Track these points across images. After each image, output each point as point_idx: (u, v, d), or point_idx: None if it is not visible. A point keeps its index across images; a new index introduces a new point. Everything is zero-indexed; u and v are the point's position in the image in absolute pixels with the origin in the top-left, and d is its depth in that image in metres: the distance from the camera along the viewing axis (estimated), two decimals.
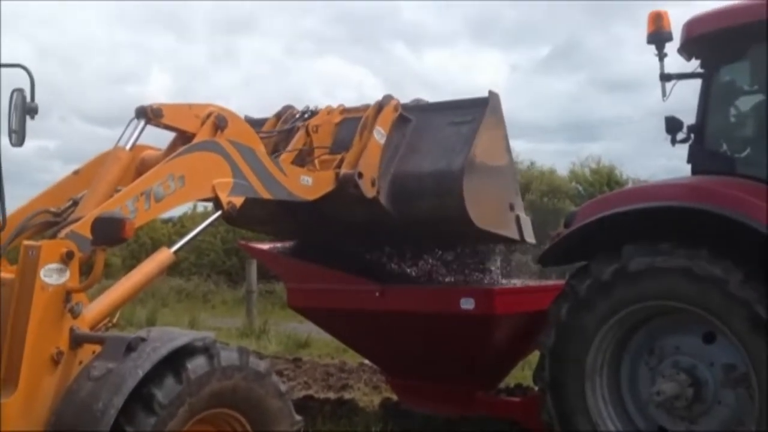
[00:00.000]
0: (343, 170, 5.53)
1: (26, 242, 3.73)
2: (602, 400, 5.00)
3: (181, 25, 66.50)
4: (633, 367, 5.06)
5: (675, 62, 5.40)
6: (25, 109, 3.89)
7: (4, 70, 3.83)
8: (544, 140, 47.59)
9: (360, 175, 5.49)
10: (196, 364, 3.66)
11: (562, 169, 21.37)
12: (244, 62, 65.65)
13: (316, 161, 5.74)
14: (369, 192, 5.56)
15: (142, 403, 3.46)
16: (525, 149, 45.62)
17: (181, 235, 4.72)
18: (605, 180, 19.06)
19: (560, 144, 49.43)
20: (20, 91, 3.88)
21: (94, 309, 3.83)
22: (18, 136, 3.94)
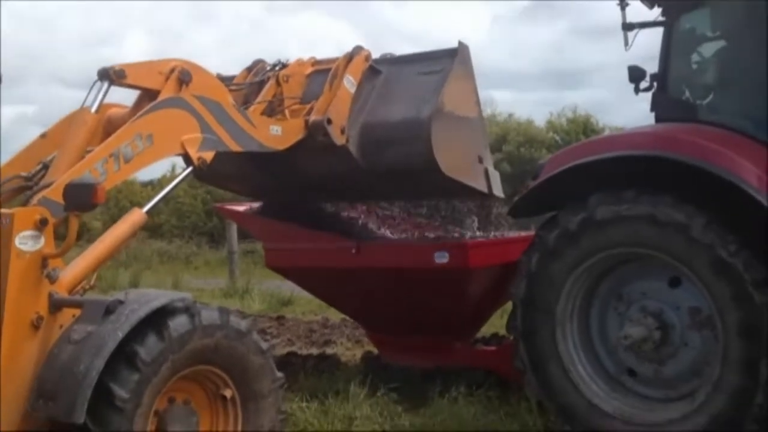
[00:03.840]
0: (313, 117, 5.56)
1: (0, 210, 3.79)
2: (573, 345, 5.13)
3: None
4: (602, 312, 5.19)
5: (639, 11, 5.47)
6: None
7: None
8: (526, 89, 47.53)
9: (329, 121, 5.51)
10: (178, 323, 3.76)
11: (542, 120, 21.54)
12: (223, 21, 64.70)
13: (287, 111, 5.74)
14: (338, 139, 5.59)
15: (125, 361, 3.55)
16: (507, 99, 45.54)
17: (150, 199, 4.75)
18: (581, 129, 19.15)
19: (543, 93, 49.38)
20: None
21: (70, 273, 3.90)
22: None
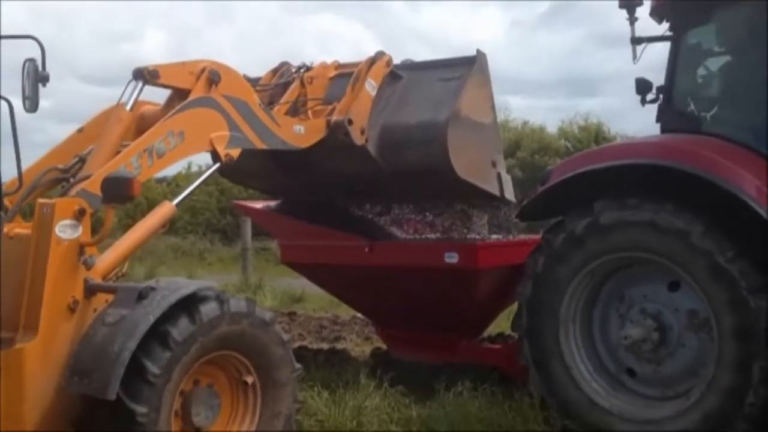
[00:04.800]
0: (335, 117, 5.80)
1: (41, 200, 4.03)
2: (575, 344, 5.35)
3: None
4: (604, 314, 5.42)
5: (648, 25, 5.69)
6: (37, 77, 4.17)
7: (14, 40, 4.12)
8: (542, 96, 47.54)
9: (350, 121, 5.75)
10: (209, 308, 4.03)
11: (555, 126, 21.69)
12: (240, 20, 64.96)
13: (310, 111, 6.00)
14: (358, 139, 5.82)
15: (158, 340, 3.82)
16: (522, 105, 45.53)
17: (175, 194, 5.01)
18: (593, 136, 19.31)
19: (559, 100, 49.33)
20: (32, 60, 4.16)
21: (105, 261, 4.15)
22: (31, 102, 4.22)
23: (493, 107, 6.32)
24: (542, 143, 19.13)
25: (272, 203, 7.49)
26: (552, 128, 21.59)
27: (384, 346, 7.67)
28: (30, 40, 4.06)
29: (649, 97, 5.56)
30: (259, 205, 7.74)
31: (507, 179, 6.36)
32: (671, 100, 5.49)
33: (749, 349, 4.61)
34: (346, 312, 10.09)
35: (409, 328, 6.98)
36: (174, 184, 24.44)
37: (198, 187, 5.07)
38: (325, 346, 8.65)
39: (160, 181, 26.36)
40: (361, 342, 8.95)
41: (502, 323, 7.44)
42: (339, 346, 8.62)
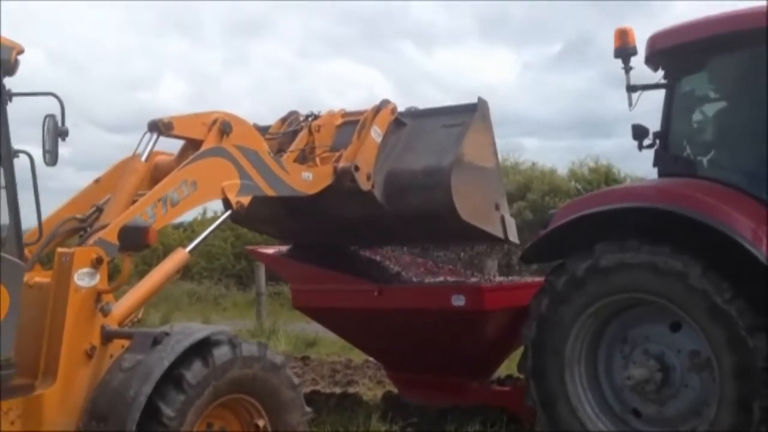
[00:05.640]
0: (341, 164, 6.00)
1: (60, 249, 4.22)
2: (581, 386, 5.42)
3: (194, 30, 66.69)
4: (609, 355, 5.49)
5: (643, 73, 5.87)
6: (57, 132, 4.38)
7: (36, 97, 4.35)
8: (556, 137, 47.53)
9: (356, 168, 5.96)
10: (221, 352, 4.17)
11: (566, 168, 21.83)
12: (256, 66, 65.78)
13: (317, 158, 6.21)
14: (364, 185, 6.02)
15: (173, 383, 3.95)
16: (537, 147, 45.46)
17: (191, 240, 5.20)
18: (603, 178, 19.42)
19: (573, 141, 49.37)
20: (52, 116, 4.36)
21: (121, 307, 4.32)
22: (51, 156, 4.42)
23: (495, 152, 6.50)
24: (552, 185, 19.27)
25: (284, 248, 7.68)
26: (563, 170, 21.78)
27: (396, 390, 7.76)
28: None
29: (646, 142, 5.72)
30: (271, 250, 7.92)
31: (510, 222, 6.51)
32: (667, 146, 5.64)
33: (749, 388, 4.68)
34: (358, 356, 10.16)
35: (420, 371, 7.09)
36: (190, 230, 24.68)
37: (211, 233, 5.25)
38: (337, 390, 8.71)
39: (177, 227, 26.64)
40: (373, 386, 9.01)
41: (511, 365, 7.51)
42: (351, 390, 8.69)
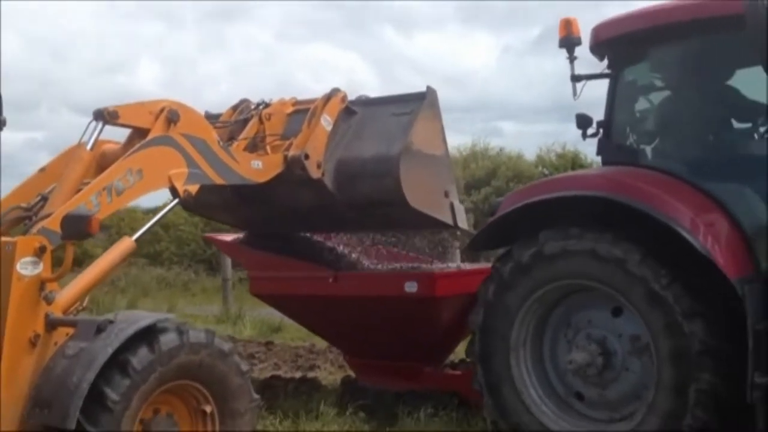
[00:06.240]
0: (291, 152, 6.05)
1: (3, 238, 4.22)
2: (526, 370, 5.52)
3: (170, 13, 66.00)
4: (553, 339, 5.60)
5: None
6: None
7: None
8: (535, 121, 47.62)
9: (306, 156, 6.00)
10: (168, 339, 4.23)
11: (534, 154, 21.97)
12: (234, 49, 65.17)
13: (268, 147, 6.25)
14: (314, 173, 6.07)
15: (118, 368, 4.01)
16: (515, 130, 45.43)
17: (160, 225, 5.23)
18: (569, 164, 19.57)
19: (551, 125, 49.36)
20: None
21: (65, 295, 4.34)
22: None
23: (444, 140, 6.59)
24: (517, 171, 19.43)
25: (241, 235, 7.73)
26: (531, 155, 21.91)
27: (354, 374, 7.86)
28: None
29: (590, 131, 5.83)
30: (229, 237, 7.97)
31: (460, 208, 6.61)
32: (611, 135, 5.75)
33: (685, 373, 4.80)
34: (321, 341, 10.20)
35: (376, 356, 7.19)
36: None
37: (156, 223, 5.29)
38: (298, 374, 8.81)
39: (147, 212, 26.49)
40: (334, 370, 9.10)
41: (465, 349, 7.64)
42: (311, 374, 8.79)
